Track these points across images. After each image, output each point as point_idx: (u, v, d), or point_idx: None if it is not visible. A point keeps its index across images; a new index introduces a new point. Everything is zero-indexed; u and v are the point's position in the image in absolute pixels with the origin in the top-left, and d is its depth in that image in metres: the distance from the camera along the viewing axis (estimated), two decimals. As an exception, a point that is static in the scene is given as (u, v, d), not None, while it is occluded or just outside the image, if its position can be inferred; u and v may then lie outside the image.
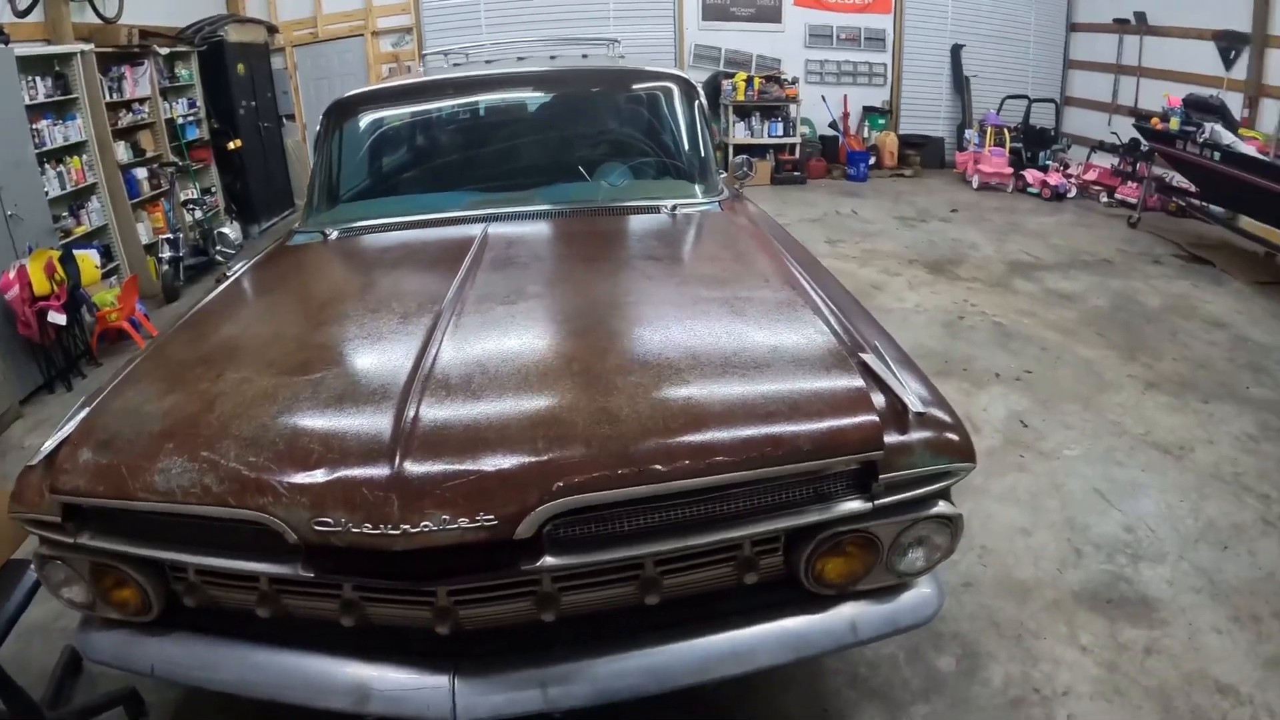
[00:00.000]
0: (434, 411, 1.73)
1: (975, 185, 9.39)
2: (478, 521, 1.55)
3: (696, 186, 3.43)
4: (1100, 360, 4.96)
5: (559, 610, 1.76)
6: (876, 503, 1.77)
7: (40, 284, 4.84)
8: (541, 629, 1.79)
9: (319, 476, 1.60)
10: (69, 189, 6.14)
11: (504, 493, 1.58)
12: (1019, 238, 7.39)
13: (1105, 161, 8.91)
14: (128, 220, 6.75)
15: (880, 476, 1.74)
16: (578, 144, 3.79)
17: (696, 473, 1.63)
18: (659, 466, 1.62)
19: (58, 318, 4.94)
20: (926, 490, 1.80)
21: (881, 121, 10.42)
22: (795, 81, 9.94)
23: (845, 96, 10.30)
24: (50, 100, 6.06)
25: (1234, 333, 5.39)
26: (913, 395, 1.83)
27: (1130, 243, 7.26)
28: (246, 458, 1.67)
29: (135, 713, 2.57)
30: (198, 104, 8.15)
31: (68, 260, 5.18)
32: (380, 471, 1.58)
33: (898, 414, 1.80)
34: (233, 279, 2.89)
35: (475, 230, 2.95)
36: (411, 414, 1.70)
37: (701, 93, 3.74)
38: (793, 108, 9.89)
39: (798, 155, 9.89)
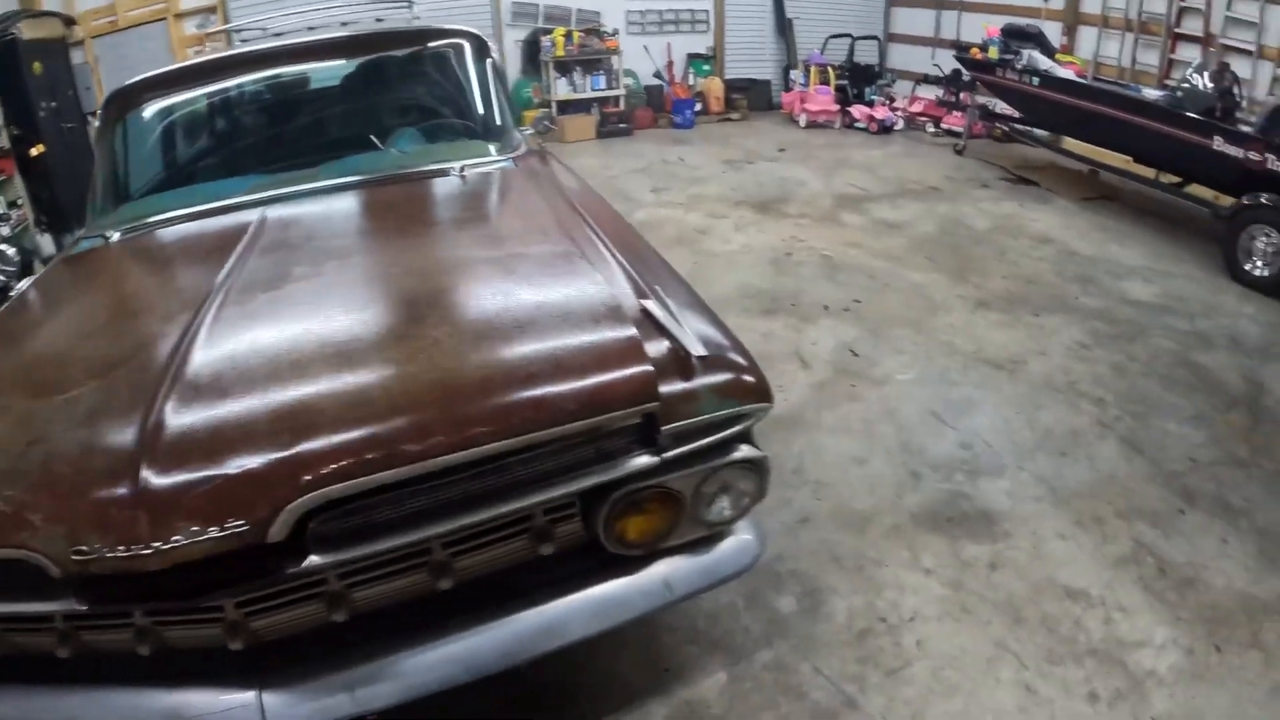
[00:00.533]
0: (178, 417, 1.61)
1: (803, 124, 9.33)
2: (228, 529, 1.46)
3: (490, 145, 3.28)
4: (930, 284, 4.82)
5: (353, 608, 1.65)
6: (665, 456, 1.72)
7: None
8: (347, 629, 1.68)
9: (70, 502, 1.51)
10: None
11: (251, 495, 1.49)
12: (847, 172, 7.28)
13: (931, 94, 8.94)
14: None
15: (663, 428, 1.69)
16: (364, 112, 3.63)
17: (454, 448, 1.56)
18: (412, 446, 1.55)
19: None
20: (721, 436, 1.76)
21: (706, 68, 10.21)
22: (616, 33, 9.60)
23: (669, 45, 10.04)
24: None
25: (1061, 247, 5.36)
26: (695, 340, 1.75)
27: (957, 169, 7.26)
28: (2, 492, 1.54)
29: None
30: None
31: None
32: (125, 489, 1.48)
33: (679, 361, 1.75)
34: (14, 299, 2.75)
35: (253, 216, 2.79)
36: (154, 423, 1.58)
37: (492, 48, 3.59)
38: (614, 60, 9.56)
39: (623, 107, 9.57)
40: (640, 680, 2.33)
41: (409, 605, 1.73)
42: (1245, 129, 5.09)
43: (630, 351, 1.72)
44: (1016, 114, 7.25)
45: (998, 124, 7.85)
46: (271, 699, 1.63)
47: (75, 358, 2.07)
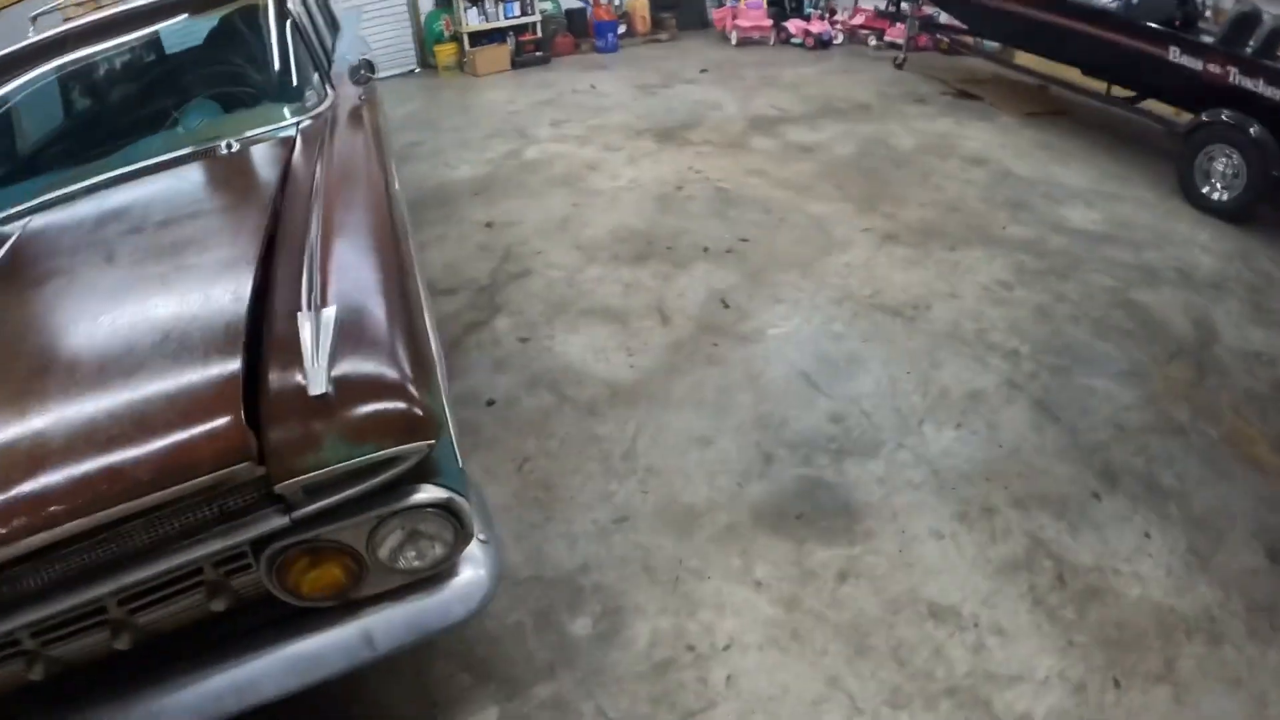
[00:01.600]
0: None
1: (734, 42, 8.62)
2: None
3: (285, 108, 3.06)
4: (832, 216, 4.22)
5: (50, 666, 1.59)
6: (294, 515, 1.54)
7: None
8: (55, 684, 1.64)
9: None
10: None
11: None
12: (770, 92, 6.63)
13: (873, 5, 8.23)
14: None
15: (276, 487, 1.49)
16: (162, 87, 3.47)
17: (34, 530, 1.43)
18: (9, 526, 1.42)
19: None
20: (368, 485, 1.54)
21: None
22: None
23: None
24: None
25: (996, 169, 4.77)
26: (322, 373, 1.52)
27: (893, 84, 6.63)
28: None
29: None
30: None
31: None
32: None
33: (296, 403, 1.52)
34: None
35: (11, 231, 2.65)
36: None
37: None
38: None
39: (539, 34, 8.78)
40: (409, 713, 2.09)
41: (102, 665, 1.66)
42: (1206, 40, 4.50)
43: (218, 403, 1.51)
44: (963, 24, 6.61)
45: (941, 35, 7.19)
46: None
47: None
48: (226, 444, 1.47)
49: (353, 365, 1.59)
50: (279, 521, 1.55)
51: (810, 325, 3.22)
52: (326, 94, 3.18)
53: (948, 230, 3.97)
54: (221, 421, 1.49)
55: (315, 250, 2.00)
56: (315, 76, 3.25)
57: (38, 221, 2.71)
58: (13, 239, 2.60)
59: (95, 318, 1.97)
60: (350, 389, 1.54)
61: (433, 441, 1.54)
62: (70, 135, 3.57)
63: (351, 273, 1.92)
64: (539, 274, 4.02)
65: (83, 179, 2.90)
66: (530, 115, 6.65)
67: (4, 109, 3.50)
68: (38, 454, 1.53)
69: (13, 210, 2.89)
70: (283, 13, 3.32)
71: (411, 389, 1.57)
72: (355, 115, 3.15)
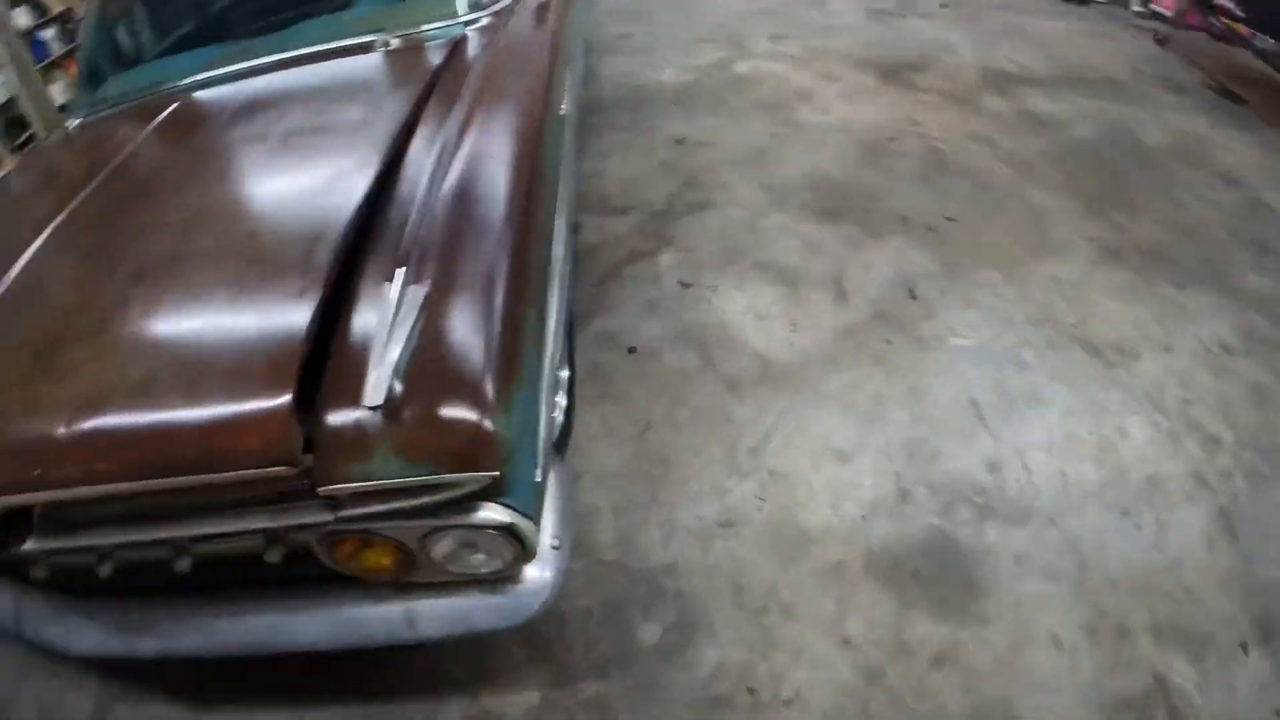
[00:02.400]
0: None
1: (987, -24, 7.83)
2: None
3: (456, 3, 2.84)
4: (1055, 211, 3.79)
5: (116, 565, 1.66)
6: (341, 514, 1.48)
7: None
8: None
9: None
10: None
11: None
12: (1013, 44, 5.99)
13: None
14: (37, 87, 6.62)
15: (320, 489, 1.41)
16: None
17: (80, 481, 1.44)
18: (50, 472, 1.45)
19: None
20: (424, 501, 1.43)
21: None
22: None
23: None
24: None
25: (1248, 194, 4.18)
26: (382, 383, 1.38)
27: (1151, 62, 5.87)
28: None
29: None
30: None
31: None
32: None
33: (352, 410, 1.41)
34: None
35: (146, 127, 2.59)
36: None
37: None
38: None
39: None
40: (454, 672, 2.08)
41: (176, 582, 1.70)
42: None
43: (269, 383, 1.41)
44: (1241, 11, 5.76)
45: (1217, 17, 6.31)
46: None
47: None
48: (266, 441, 1.37)
49: (424, 371, 1.43)
50: (324, 516, 1.49)
51: (998, 345, 2.92)
52: None
53: (1179, 260, 3.52)
54: (267, 411, 1.38)
55: (431, 200, 1.82)
56: None
57: (179, 105, 2.71)
58: (153, 123, 2.59)
59: (198, 229, 1.92)
60: (413, 401, 1.39)
61: (496, 474, 1.39)
62: (227, 8, 3.53)
63: (465, 237, 1.72)
64: (719, 209, 3.82)
65: (238, 59, 2.85)
66: (749, 23, 6.25)
67: None
68: (101, 396, 1.50)
69: (167, 85, 2.92)
70: None
71: (486, 412, 1.39)
72: (538, 16, 2.92)
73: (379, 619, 1.71)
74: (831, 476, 2.46)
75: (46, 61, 6.75)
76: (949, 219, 3.67)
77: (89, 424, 1.46)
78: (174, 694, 2.24)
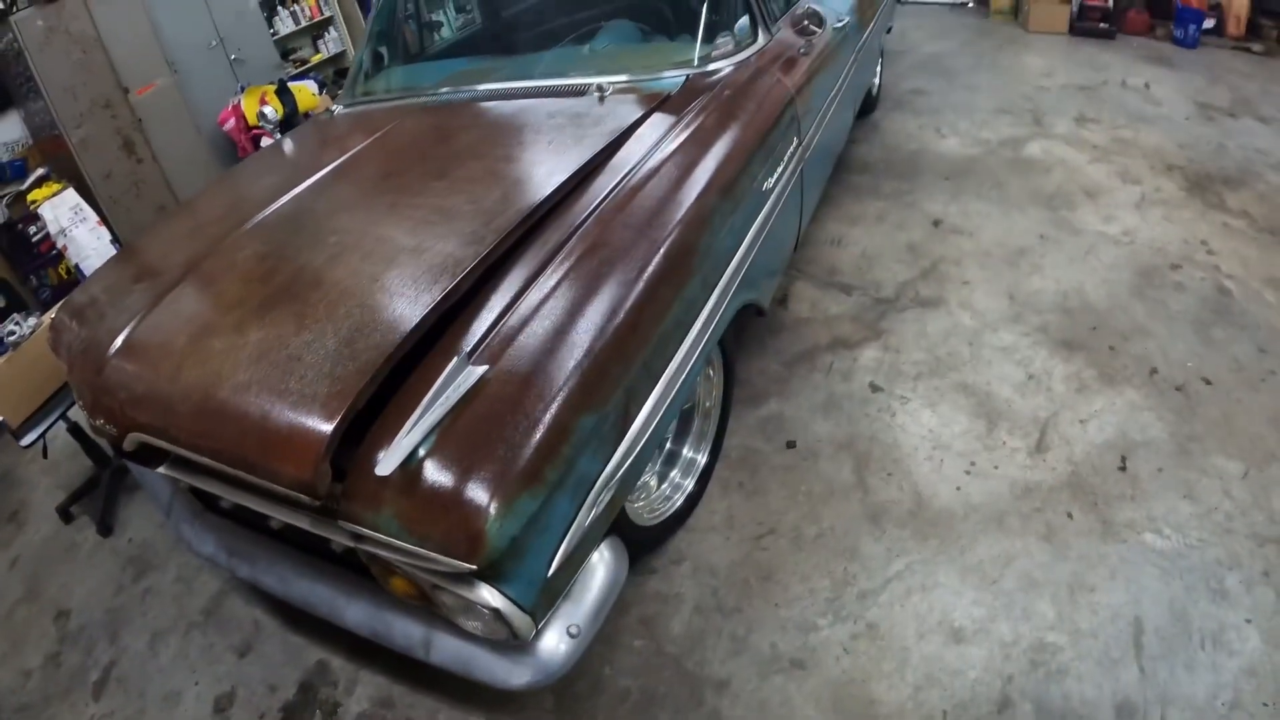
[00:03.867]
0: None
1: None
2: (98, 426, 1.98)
3: (686, 50, 2.86)
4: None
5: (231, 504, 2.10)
6: (359, 545, 1.61)
7: (254, 116, 5.86)
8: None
9: None
10: (304, 24, 7.70)
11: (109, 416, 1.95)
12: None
13: None
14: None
15: (340, 522, 1.58)
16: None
17: (182, 445, 1.77)
18: (168, 429, 1.80)
19: (268, 142, 5.47)
20: (418, 563, 1.53)
21: None
22: None
23: None
24: (279, -56, 7.13)
25: None
26: (397, 454, 1.49)
27: None
28: None
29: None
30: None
31: (283, 92, 6.04)
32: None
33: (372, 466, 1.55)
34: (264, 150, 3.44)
35: (385, 125, 2.91)
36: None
37: None
38: None
39: (1110, 2, 7.36)
40: (484, 696, 2.27)
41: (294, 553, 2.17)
42: None
43: (318, 420, 1.56)
44: None
45: None
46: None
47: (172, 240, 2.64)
48: (299, 468, 1.53)
49: (444, 451, 1.52)
50: (347, 539, 1.64)
51: (1201, 557, 2.48)
52: (754, 39, 2.90)
53: None
54: (305, 444, 1.54)
55: (546, 275, 1.88)
56: (744, 19, 2.93)
57: (409, 116, 2.96)
58: (381, 131, 2.85)
59: (347, 254, 2.09)
60: (422, 476, 1.50)
61: (473, 568, 1.46)
62: (488, 25, 3.87)
63: (558, 324, 1.75)
64: (948, 312, 3.55)
65: (480, 80, 3.07)
66: (1059, 98, 5.75)
67: None
68: (215, 384, 1.76)
69: (414, 91, 3.25)
70: None
71: (478, 511, 1.46)
72: (778, 73, 2.83)
73: (403, 631, 1.92)
74: (933, 655, 2.21)
75: (375, 20, 8.09)
76: (1206, 380, 3.16)
77: (199, 403, 1.74)
78: (274, 605, 2.76)
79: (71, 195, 4.99)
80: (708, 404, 2.77)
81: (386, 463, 1.48)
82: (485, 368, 1.62)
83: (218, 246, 2.35)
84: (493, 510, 1.45)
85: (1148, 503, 2.65)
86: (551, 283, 1.84)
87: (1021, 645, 2.24)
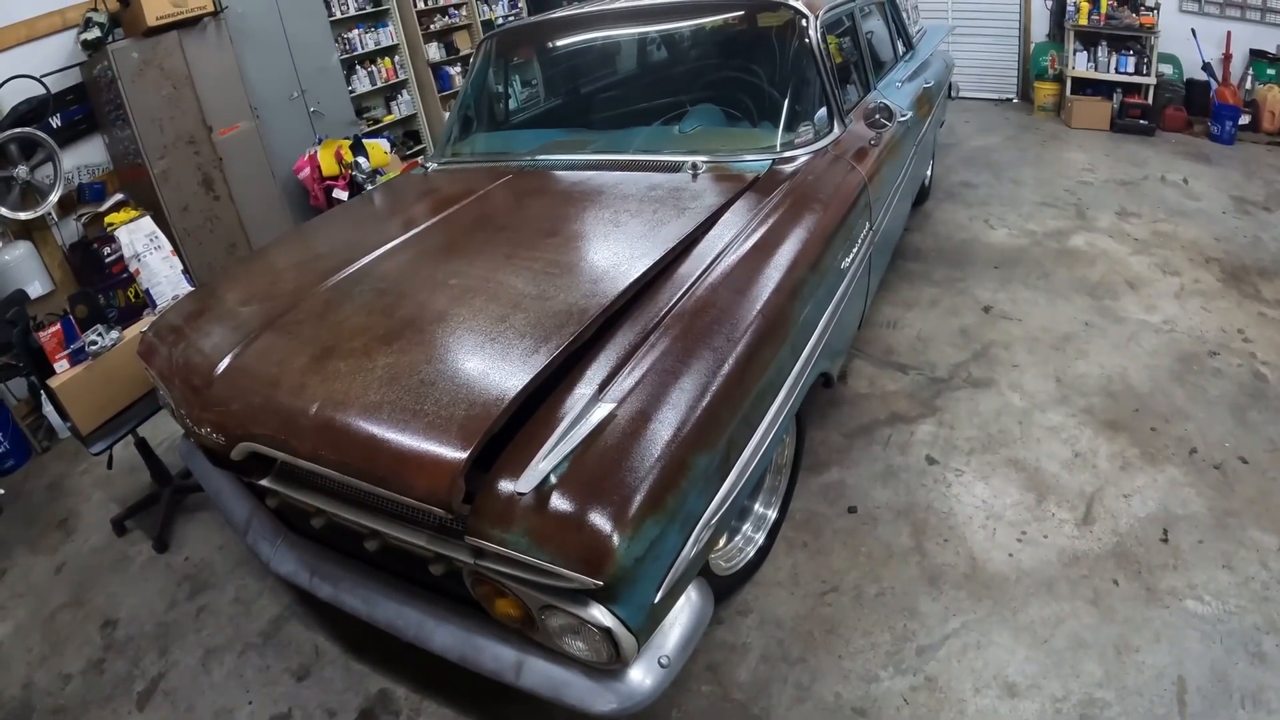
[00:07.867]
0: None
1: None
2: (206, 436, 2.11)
3: (769, 137, 3.10)
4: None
5: (325, 522, 2.20)
6: (480, 562, 1.74)
7: (329, 167, 6.19)
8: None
9: None
10: (379, 85, 8.11)
11: (217, 427, 2.10)
12: None
13: None
14: (435, 109, 8.49)
15: (466, 537, 1.69)
16: (678, 81, 3.73)
17: (306, 457, 1.87)
18: (290, 441, 1.90)
19: (341, 194, 6.11)
20: (544, 579, 1.64)
21: (1271, 72, 7.50)
22: (1157, 8, 7.57)
23: (1228, 34, 7.54)
24: (361, 12, 7.89)
25: None
26: (535, 475, 1.61)
27: None
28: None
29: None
30: (519, 4, 9.34)
31: (357, 148, 6.32)
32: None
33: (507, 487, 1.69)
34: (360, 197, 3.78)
35: (488, 184, 3.14)
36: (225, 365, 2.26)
37: (814, 22, 3.25)
38: (1151, 39, 7.62)
39: (1149, 100, 7.67)
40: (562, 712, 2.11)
41: (364, 555, 2.20)
42: None
43: (455, 442, 1.67)
44: None
45: None
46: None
47: (276, 271, 2.86)
48: (434, 485, 1.63)
49: (576, 477, 1.65)
50: (467, 557, 1.76)
51: (1240, 623, 2.64)
52: (830, 129, 3.12)
53: None
54: (443, 463, 1.65)
55: (662, 327, 2.05)
56: (822, 110, 3.15)
57: (508, 179, 3.16)
58: (481, 191, 3.07)
59: (472, 296, 2.26)
60: (557, 498, 1.61)
61: (600, 584, 1.55)
62: (576, 100, 4.05)
63: (674, 371, 1.91)
64: (999, 392, 3.77)
65: (570, 150, 3.33)
66: (1101, 193, 6.01)
67: (541, 65, 4.17)
68: (344, 401, 1.90)
69: (506, 156, 3.46)
70: (799, 36, 3.22)
71: (609, 530, 1.57)
72: (851, 163, 3.03)
73: (495, 655, 1.98)
74: (988, 708, 2.39)
75: (448, 93, 8.56)
76: (1243, 460, 3.34)
77: (325, 418, 1.87)
78: (338, 631, 2.84)
79: (148, 223, 5.04)
80: (780, 461, 2.95)
81: (525, 481, 1.59)
82: (613, 404, 1.77)
83: (330, 280, 2.51)
84: (622, 531, 1.57)
85: (1189, 572, 2.83)
86: (666, 335, 2.01)
87: (1072, 700, 2.42)
